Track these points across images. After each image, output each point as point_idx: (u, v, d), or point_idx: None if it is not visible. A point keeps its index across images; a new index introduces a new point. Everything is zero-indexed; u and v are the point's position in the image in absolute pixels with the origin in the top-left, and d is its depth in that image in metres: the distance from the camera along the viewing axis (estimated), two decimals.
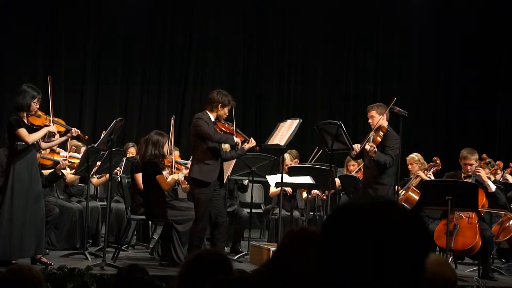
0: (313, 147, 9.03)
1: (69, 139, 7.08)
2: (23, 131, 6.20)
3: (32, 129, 6.35)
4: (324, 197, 8.48)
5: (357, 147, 7.00)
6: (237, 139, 6.65)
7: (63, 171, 7.45)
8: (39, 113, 6.44)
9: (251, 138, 6.79)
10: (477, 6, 12.48)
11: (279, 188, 7.55)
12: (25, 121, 6.32)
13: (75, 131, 6.59)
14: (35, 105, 6.33)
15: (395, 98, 7.06)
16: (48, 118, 6.45)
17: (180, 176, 7.17)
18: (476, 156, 7.25)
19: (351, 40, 12.59)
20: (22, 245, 6.18)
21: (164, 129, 8.26)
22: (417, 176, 7.85)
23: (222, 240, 6.78)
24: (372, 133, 7.08)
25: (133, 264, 3.24)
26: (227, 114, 6.72)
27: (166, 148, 7.04)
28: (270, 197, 9.00)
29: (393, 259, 1.24)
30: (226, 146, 7.31)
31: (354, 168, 8.46)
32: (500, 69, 12.53)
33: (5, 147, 7.36)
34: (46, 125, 6.41)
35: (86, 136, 7.11)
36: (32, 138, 6.23)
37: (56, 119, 6.57)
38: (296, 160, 8.93)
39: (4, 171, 6.53)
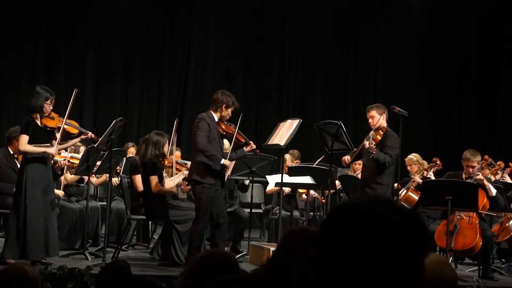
0: (313, 147, 9.04)
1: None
2: (23, 138, 6.18)
3: (45, 131, 6.35)
4: (323, 200, 8.47)
5: (346, 159, 7.11)
6: (224, 162, 6.54)
7: (64, 174, 7.48)
8: (53, 115, 6.43)
9: (251, 142, 6.79)
10: (477, 6, 12.48)
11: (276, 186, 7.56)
12: (39, 123, 6.31)
13: (90, 135, 6.62)
14: (48, 107, 6.31)
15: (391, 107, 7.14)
16: (61, 119, 6.44)
17: (177, 180, 7.14)
18: (478, 158, 7.23)
19: (351, 40, 12.59)
20: (39, 246, 6.21)
21: (164, 129, 8.26)
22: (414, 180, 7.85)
23: (222, 240, 6.78)
24: (372, 132, 7.09)
25: (115, 261, 3.25)
26: (230, 115, 6.72)
27: (166, 148, 7.03)
28: (267, 194, 8.99)
29: (392, 258, 1.24)
30: (226, 147, 7.31)
31: (360, 167, 8.44)
32: (500, 69, 12.53)
33: (3, 148, 7.37)
34: (58, 127, 6.39)
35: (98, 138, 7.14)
36: (25, 148, 6.20)
37: (69, 121, 6.56)
38: (297, 160, 8.92)
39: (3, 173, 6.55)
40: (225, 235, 6.98)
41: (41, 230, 6.21)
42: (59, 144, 6.55)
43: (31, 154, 6.24)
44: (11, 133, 7.27)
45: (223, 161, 6.55)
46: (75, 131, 6.64)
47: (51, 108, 6.37)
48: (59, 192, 7.63)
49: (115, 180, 8.06)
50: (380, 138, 6.97)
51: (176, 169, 7.28)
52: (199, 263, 2.57)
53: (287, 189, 8.02)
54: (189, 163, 7.26)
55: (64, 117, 6.46)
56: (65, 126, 6.46)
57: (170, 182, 7.11)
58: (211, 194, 6.52)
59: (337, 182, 8.26)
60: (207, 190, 6.49)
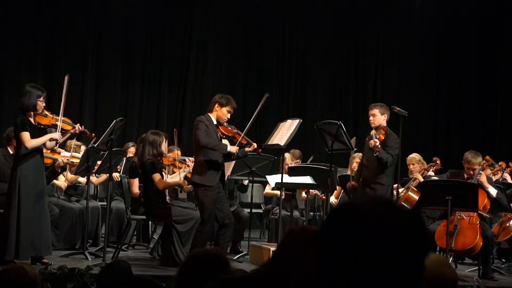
0: (313, 147, 9.03)
1: (74, 137, 7.07)
2: (25, 135, 6.17)
3: (39, 128, 6.33)
4: (323, 196, 8.47)
5: (373, 142, 6.92)
6: (230, 148, 6.57)
7: (64, 173, 7.46)
8: (46, 112, 6.40)
9: (254, 143, 6.78)
10: (477, 6, 12.48)
11: (274, 191, 7.54)
12: (32, 121, 6.30)
13: (78, 128, 6.57)
14: (41, 104, 6.31)
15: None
16: (55, 117, 6.41)
17: (182, 175, 7.14)
18: (479, 160, 7.20)
19: (351, 40, 12.59)
20: (31, 245, 6.19)
21: (164, 129, 8.26)
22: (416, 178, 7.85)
23: (225, 240, 6.78)
24: (373, 132, 7.08)
25: (116, 261, 3.26)
26: (227, 116, 6.70)
27: (163, 146, 7.02)
28: (266, 196, 8.99)
29: (393, 259, 1.24)
30: None
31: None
32: (500, 69, 12.53)
33: (3, 148, 7.37)
34: (53, 125, 6.36)
35: (93, 134, 7.10)
36: (32, 143, 6.18)
37: (64, 118, 6.52)
38: (298, 160, 8.91)
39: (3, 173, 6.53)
40: (230, 236, 6.96)
41: (34, 229, 6.18)
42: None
43: (24, 150, 6.19)
44: (10, 133, 7.25)
45: (229, 148, 6.55)
46: (69, 127, 6.61)
47: (44, 105, 6.35)
48: (61, 184, 7.64)
49: (116, 175, 8.03)
50: (383, 138, 6.97)
51: (178, 167, 7.28)
52: (190, 262, 2.58)
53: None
54: (188, 158, 7.29)
55: (56, 114, 6.41)
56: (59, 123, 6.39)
57: (175, 178, 7.10)
58: (214, 196, 6.53)
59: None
60: (210, 193, 6.50)
